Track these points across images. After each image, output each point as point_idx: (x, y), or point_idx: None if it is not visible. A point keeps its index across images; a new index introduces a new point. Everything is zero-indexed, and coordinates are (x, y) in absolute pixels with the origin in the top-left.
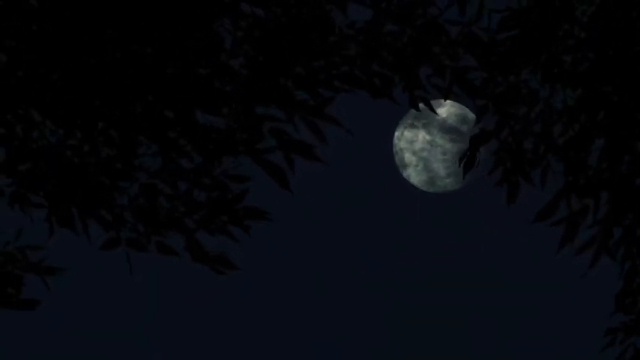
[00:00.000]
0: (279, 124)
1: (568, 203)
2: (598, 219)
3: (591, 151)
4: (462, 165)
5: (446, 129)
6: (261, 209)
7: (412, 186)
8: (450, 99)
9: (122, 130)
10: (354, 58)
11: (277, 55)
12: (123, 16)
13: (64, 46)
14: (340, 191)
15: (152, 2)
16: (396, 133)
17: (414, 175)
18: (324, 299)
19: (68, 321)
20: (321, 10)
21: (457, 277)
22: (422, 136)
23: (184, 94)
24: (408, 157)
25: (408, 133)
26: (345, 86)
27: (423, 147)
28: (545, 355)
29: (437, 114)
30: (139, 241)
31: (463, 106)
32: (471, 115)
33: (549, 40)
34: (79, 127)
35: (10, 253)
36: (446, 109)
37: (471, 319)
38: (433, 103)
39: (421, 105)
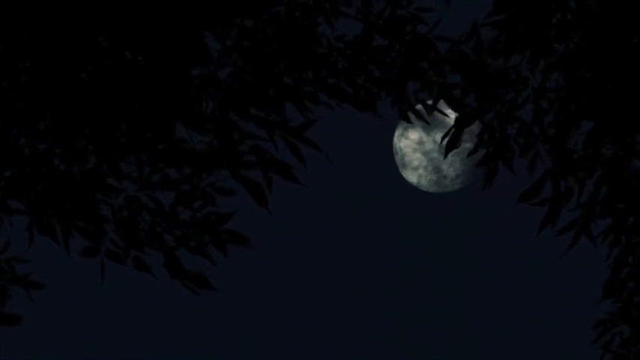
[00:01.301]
0: (259, 141)
1: (553, 185)
2: (582, 202)
3: (578, 135)
4: (443, 143)
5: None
6: (244, 235)
7: (412, 186)
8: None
9: (108, 140)
10: (341, 72)
11: (265, 65)
12: (113, 25)
13: (54, 54)
14: (339, 191)
15: (143, 10)
16: (396, 133)
17: (424, 176)
18: (322, 300)
19: (51, 331)
20: (310, 22)
21: (457, 279)
22: (428, 137)
23: (166, 110)
24: (420, 157)
25: (414, 135)
26: (331, 101)
27: (432, 148)
28: (545, 355)
29: (428, 123)
30: (117, 253)
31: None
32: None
33: (540, 26)
34: (65, 136)
35: None
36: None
37: (470, 321)
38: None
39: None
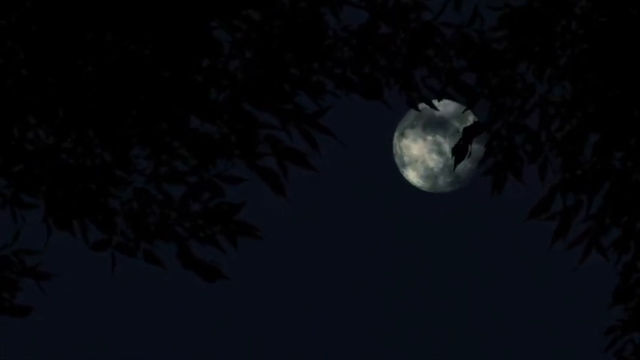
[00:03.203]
0: (273, 131)
1: (563, 198)
2: (591, 214)
3: (586, 146)
4: (453, 156)
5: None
6: (253, 226)
7: (412, 186)
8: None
9: (116, 133)
10: (347, 61)
11: (273, 56)
12: (121, 17)
13: (61, 48)
14: (339, 191)
15: (150, 4)
16: (396, 133)
17: (442, 178)
18: (322, 300)
19: (51, 331)
20: (315, 13)
21: (457, 279)
22: (431, 137)
23: (179, 101)
24: (436, 159)
25: (431, 137)
26: (337, 90)
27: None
28: (545, 356)
29: (437, 109)
30: (128, 245)
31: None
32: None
33: (547, 35)
34: (73, 130)
35: (6, 256)
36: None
37: (470, 321)
38: (455, 109)
39: (422, 105)
